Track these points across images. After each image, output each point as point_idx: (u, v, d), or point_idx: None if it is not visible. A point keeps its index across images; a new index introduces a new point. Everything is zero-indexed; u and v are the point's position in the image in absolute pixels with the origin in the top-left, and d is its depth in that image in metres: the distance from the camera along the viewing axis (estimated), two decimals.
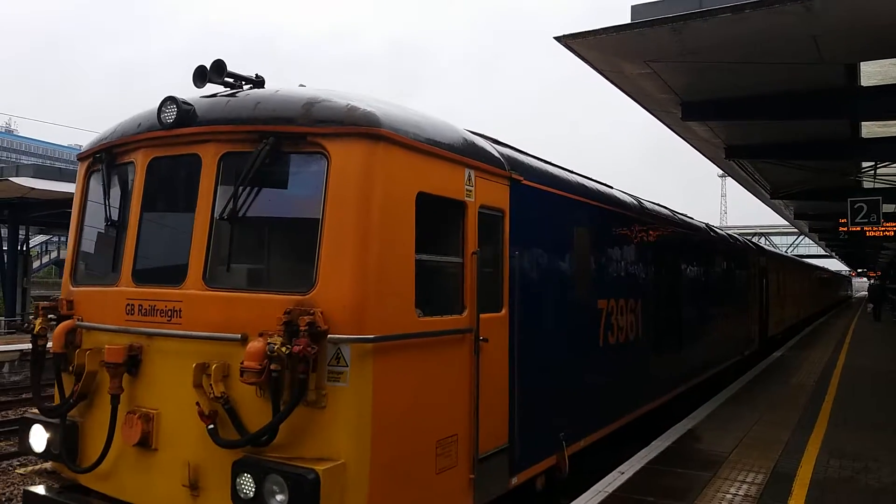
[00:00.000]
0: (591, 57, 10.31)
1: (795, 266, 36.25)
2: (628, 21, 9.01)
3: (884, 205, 18.08)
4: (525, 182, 7.04)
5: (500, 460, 6.39)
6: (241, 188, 5.12)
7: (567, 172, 8.87)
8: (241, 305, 5.08)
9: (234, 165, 5.26)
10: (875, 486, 7.93)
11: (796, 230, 55.73)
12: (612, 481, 7.97)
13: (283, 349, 4.55)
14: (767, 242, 64.08)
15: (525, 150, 7.94)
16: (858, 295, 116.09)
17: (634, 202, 10.88)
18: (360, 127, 5.07)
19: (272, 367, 4.58)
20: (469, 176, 6.02)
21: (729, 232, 20.31)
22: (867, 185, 21.08)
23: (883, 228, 21.37)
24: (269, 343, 4.57)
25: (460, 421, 5.86)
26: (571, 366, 8.09)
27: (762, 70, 10.72)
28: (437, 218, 5.75)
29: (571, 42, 9.56)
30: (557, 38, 9.49)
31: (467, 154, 6.11)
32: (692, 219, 15.19)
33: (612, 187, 10.50)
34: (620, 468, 8.53)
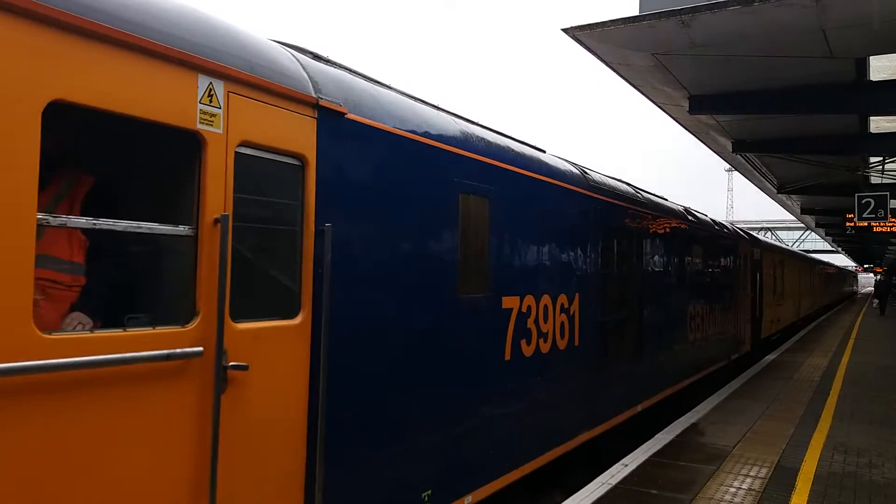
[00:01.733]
0: (598, 49, 10.28)
1: (795, 259, 33.68)
2: (636, 13, 8.98)
3: (891, 200, 18.03)
4: (352, 117, 4.78)
5: None
6: None
7: (447, 115, 6.44)
8: None
9: None
10: (879, 481, 7.93)
11: (803, 225, 55.54)
12: (615, 473, 7.99)
13: None
14: (774, 237, 63.92)
15: (366, 74, 5.63)
16: (865, 290, 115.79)
17: (575, 171, 8.75)
18: None
19: None
20: (210, 89, 3.75)
21: (717, 219, 17.26)
22: (875, 180, 21.00)
23: (890, 224, 21.24)
24: None
25: None
26: (446, 392, 5.84)
27: (771, 63, 10.67)
28: (129, 155, 3.95)
29: (579, 34, 9.53)
30: (565, 30, 9.47)
31: (208, 50, 3.76)
32: (666, 200, 13.21)
33: (542, 151, 8.46)
34: (624, 461, 8.55)
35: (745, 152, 17.51)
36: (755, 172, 21.48)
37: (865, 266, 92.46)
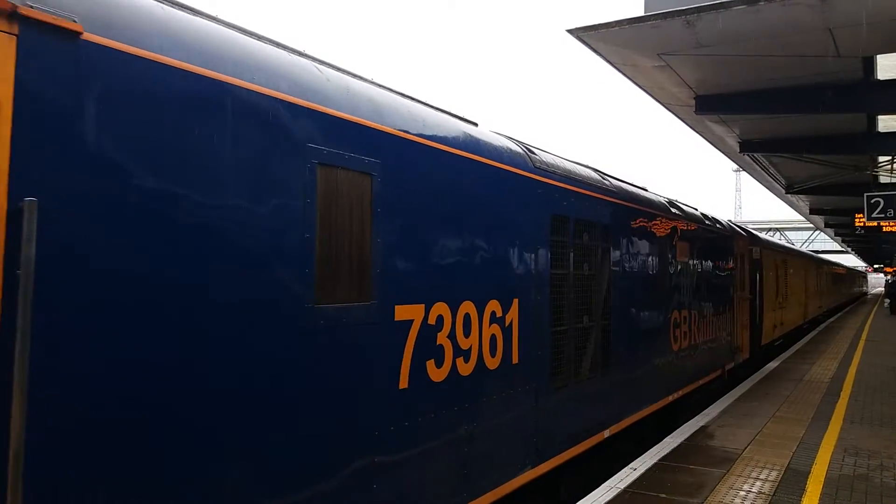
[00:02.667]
0: (603, 50, 10.26)
1: (800, 259, 31.11)
2: (641, 13, 8.95)
3: None
4: (96, 40, 3.19)
5: None
6: None
7: (303, 58, 4.78)
8: None
9: None
10: (891, 483, 7.84)
11: (812, 226, 55.30)
12: (623, 477, 7.92)
13: None
14: (782, 237, 63.65)
15: None
16: (874, 291, 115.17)
17: (516, 150, 7.11)
18: None
19: None
20: None
21: (711, 214, 15.29)
22: (884, 179, 20.89)
23: None
24: None
25: None
26: (288, 449, 4.07)
27: (777, 63, 10.61)
28: None
29: (584, 35, 9.50)
30: (570, 31, 9.44)
31: None
32: (644, 190, 11.48)
33: (474, 123, 6.96)
34: (632, 464, 8.48)
35: (752, 152, 17.44)
36: (763, 173, 21.40)
37: (875, 266, 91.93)
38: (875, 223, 18.82)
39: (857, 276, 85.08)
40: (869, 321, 37.27)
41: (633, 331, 9.73)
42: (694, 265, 12.71)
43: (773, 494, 7.36)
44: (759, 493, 7.41)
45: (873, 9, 8.37)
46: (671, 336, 11.30)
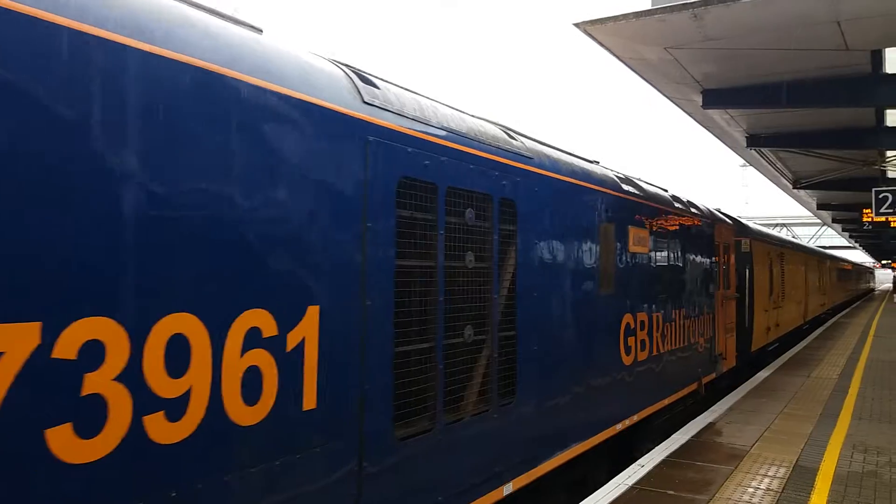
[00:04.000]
0: (610, 43, 10.19)
1: (799, 253, 27.94)
2: (649, 7, 8.88)
3: None
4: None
5: None
6: None
7: None
8: None
9: None
10: None
11: (819, 221, 55.08)
12: (631, 474, 7.88)
13: None
14: (790, 233, 63.45)
15: None
16: (882, 287, 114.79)
17: (335, 74, 4.80)
18: None
19: None
20: None
21: (685, 197, 12.63)
22: (892, 174, 20.75)
23: None
24: None
25: None
26: None
27: (784, 56, 10.53)
28: None
29: (590, 28, 9.44)
30: (577, 25, 9.38)
31: None
32: (592, 163, 9.07)
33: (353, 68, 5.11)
34: (640, 461, 8.44)
35: (759, 147, 17.34)
36: (770, 167, 21.29)
37: (883, 262, 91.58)
38: (883, 218, 18.70)
39: (863, 272, 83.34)
40: (877, 317, 37.12)
41: (555, 344, 7.18)
42: (657, 258, 10.21)
43: (782, 491, 7.31)
44: (768, 489, 7.36)
45: (882, 2, 8.29)
46: (621, 347, 8.81)
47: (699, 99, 12.87)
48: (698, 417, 10.93)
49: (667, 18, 8.95)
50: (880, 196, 17.56)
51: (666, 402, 10.60)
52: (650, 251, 9.92)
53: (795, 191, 25.39)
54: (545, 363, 7.01)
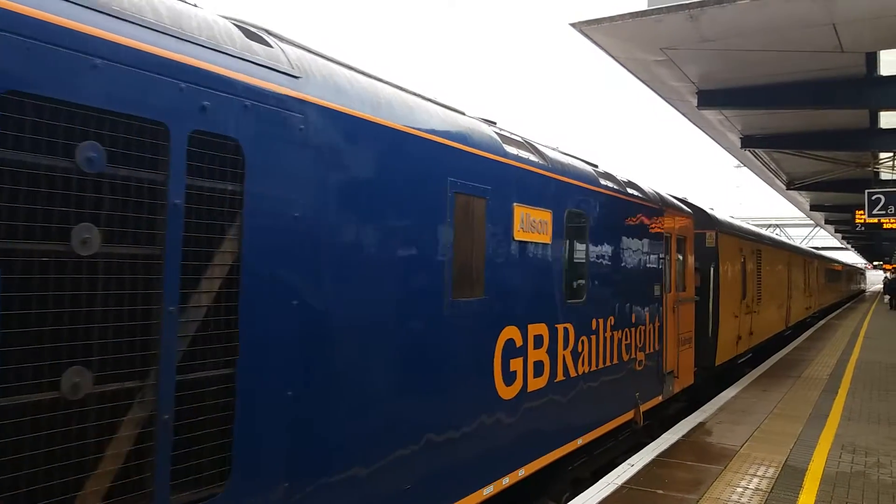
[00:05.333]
0: (606, 44, 10.21)
1: (781, 250, 24.71)
2: (645, 7, 8.90)
3: None
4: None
5: None
6: None
7: None
8: None
9: None
10: (888, 481, 7.84)
11: (812, 222, 55.28)
12: (621, 473, 7.92)
13: None
14: (782, 234, 63.67)
15: None
16: (874, 288, 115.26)
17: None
18: None
19: None
20: None
21: (621, 176, 10.25)
22: (885, 176, 20.85)
23: None
24: None
25: None
26: None
27: (780, 58, 10.57)
28: None
29: (587, 28, 9.45)
30: (573, 25, 9.39)
31: None
32: (488, 123, 7.20)
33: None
34: (630, 460, 8.48)
35: (753, 148, 17.40)
36: (764, 168, 21.36)
37: (875, 263, 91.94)
38: (875, 220, 18.78)
39: (854, 273, 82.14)
40: (867, 318, 37.29)
41: (350, 391, 4.65)
42: (568, 251, 7.94)
43: (771, 491, 7.36)
44: (757, 489, 7.41)
45: (877, 4, 8.32)
46: (497, 375, 6.37)
47: (694, 100, 12.90)
48: (688, 417, 10.99)
49: (663, 19, 8.97)
50: (873, 198, 17.64)
51: (580, 442, 8.09)
52: (557, 241, 7.51)
53: (789, 192, 25.48)
54: (324, 427, 4.40)
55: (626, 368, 9.56)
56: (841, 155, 18.25)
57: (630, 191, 9.97)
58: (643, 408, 10.14)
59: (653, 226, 10.71)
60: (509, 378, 6.61)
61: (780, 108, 13.37)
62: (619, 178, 9.91)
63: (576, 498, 7.12)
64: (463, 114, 6.64)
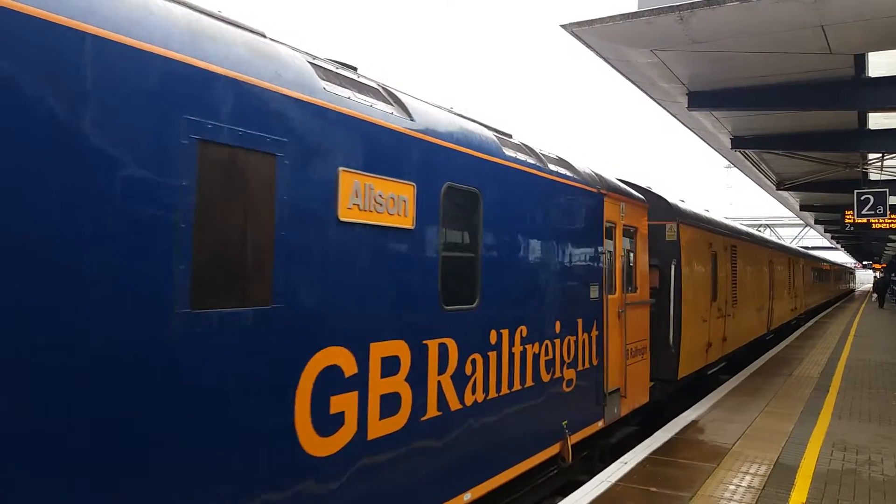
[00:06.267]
0: (596, 45, 10.25)
1: (762, 247, 22.58)
2: (635, 9, 8.96)
3: (890, 196, 18.02)
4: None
5: None
6: None
7: None
8: None
9: None
10: (879, 478, 7.91)
11: (802, 222, 55.55)
12: (614, 471, 7.97)
13: None
14: (773, 233, 63.95)
15: None
16: (863, 288, 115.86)
17: None
18: None
19: None
20: None
21: (546, 151, 8.38)
22: (874, 176, 20.99)
23: (889, 220, 21.23)
24: None
25: None
26: None
27: (769, 59, 10.64)
28: None
29: (577, 30, 9.49)
30: (564, 27, 9.44)
31: None
32: (316, 66, 4.95)
33: None
34: (623, 458, 8.53)
35: (743, 148, 17.49)
36: (754, 169, 21.46)
37: (864, 263, 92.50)
38: (864, 220, 18.93)
39: (843, 272, 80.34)
40: (857, 317, 37.52)
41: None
42: (439, 239, 5.86)
43: (763, 489, 7.42)
44: (749, 487, 7.47)
45: (865, 6, 8.40)
46: (299, 421, 4.43)
47: (685, 101, 12.96)
48: (682, 415, 11.04)
49: (653, 21, 9.01)
50: (862, 198, 17.77)
51: (468, 497, 6.16)
52: (426, 225, 5.63)
53: (779, 192, 25.61)
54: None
55: (546, 392, 7.52)
56: (830, 156, 18.37)
57: (554, 168, 7.99)
58: (574, 439, 8.15)
59: (588, 213, 8.69)
60: (328, 424, 4.57)
61: (770, 110, 13.45)
62: (540, 151, 7.99)
63: (570, 496, 7.16)
64: (263, 35, 4.61)
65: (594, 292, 8.83)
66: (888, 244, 54.19)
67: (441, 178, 5.84)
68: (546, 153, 8.22)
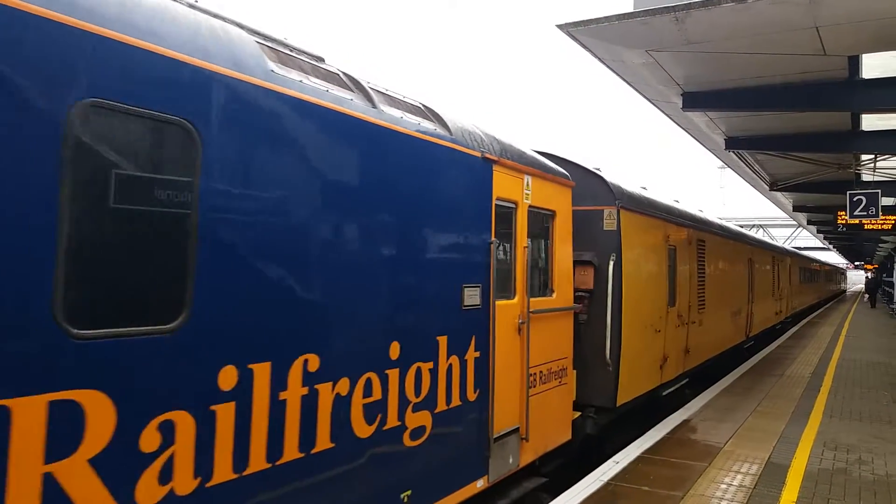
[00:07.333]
0: (592, 45, 10.27)
1: (739, 243, 19.40)
2: (631, 10, 8.98)
3: (883, 198, 18.10)
4: None
5: None
6: None
7: None
8: None
9: None
10: (869, 478, 7.96)
11: (795, 222, 55.77)
12: (606, 470, 8.00)
13: None
14: (766, 234, 64.16)
15: None
16: (854, 288, 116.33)
17: None
18: None
19: None
20: None
21: (400, 93, 5.88)
22: (866, 177, 21.10)
23: (881, 221, 21.35)
24: None
25: None
26: None
27: (764, 60, 10.68)
28: None
29: (573, 30, 9.51)
30: (559, 27, 9.45)
31: None
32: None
33: None
34: (615, 458, 8.56)
35: (737, 149, 17.55)
36: (748, 170, 21.53)
37: (856, 263, 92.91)
38: (857, 221, 19.01)
39: (834, 273, 76.48)
40: (849, 317, 37.69)
41: None
42: (64, 202, 3.08)
43: (754, 488, 7.46)
44: (740, 486, 7.51)
45: (859, 8, 8.44)
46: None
47: (679, 101, 12.99)
48: (673, 415, 11.08)
49: (648, 21, 9.04)
50: (854, 199, 17.84)
51: None
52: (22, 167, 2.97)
53: (772, 193, 25.71)
54: None
55: (364, 453, 4.92)
56: (823, 157, 18.45)
57: (391, 113, 5.38)
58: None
59: (462, 185, 6.23)
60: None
61: (764, 111, 13.50)
62: (370, 86, 5.42)
63: (562, 494, 7.18)
64: None
65: (471, 297, 6.26)
66: (880, 245, 54.48)
67: (67, 90, 3.12)
68: (386, 91, 5.67)
